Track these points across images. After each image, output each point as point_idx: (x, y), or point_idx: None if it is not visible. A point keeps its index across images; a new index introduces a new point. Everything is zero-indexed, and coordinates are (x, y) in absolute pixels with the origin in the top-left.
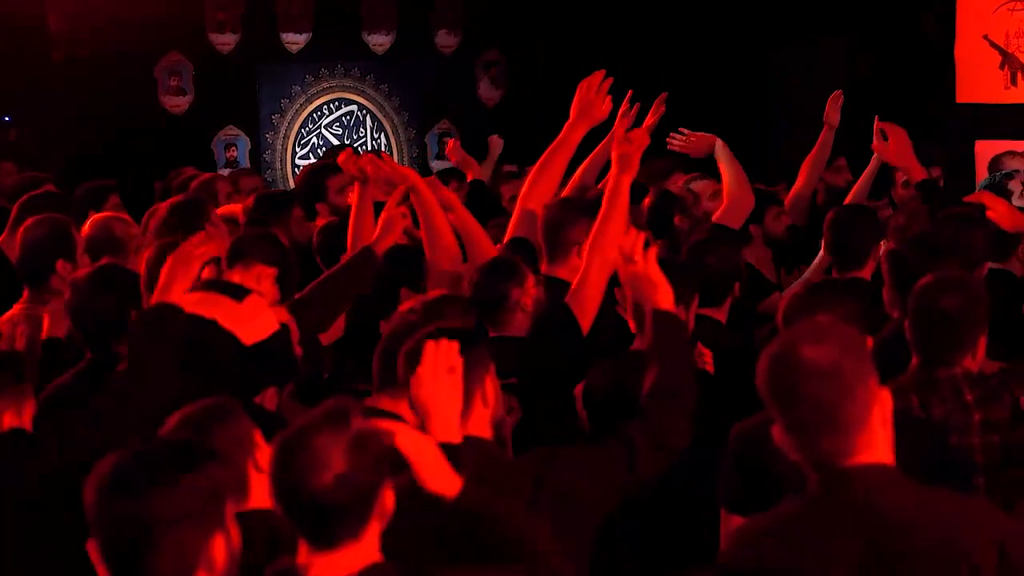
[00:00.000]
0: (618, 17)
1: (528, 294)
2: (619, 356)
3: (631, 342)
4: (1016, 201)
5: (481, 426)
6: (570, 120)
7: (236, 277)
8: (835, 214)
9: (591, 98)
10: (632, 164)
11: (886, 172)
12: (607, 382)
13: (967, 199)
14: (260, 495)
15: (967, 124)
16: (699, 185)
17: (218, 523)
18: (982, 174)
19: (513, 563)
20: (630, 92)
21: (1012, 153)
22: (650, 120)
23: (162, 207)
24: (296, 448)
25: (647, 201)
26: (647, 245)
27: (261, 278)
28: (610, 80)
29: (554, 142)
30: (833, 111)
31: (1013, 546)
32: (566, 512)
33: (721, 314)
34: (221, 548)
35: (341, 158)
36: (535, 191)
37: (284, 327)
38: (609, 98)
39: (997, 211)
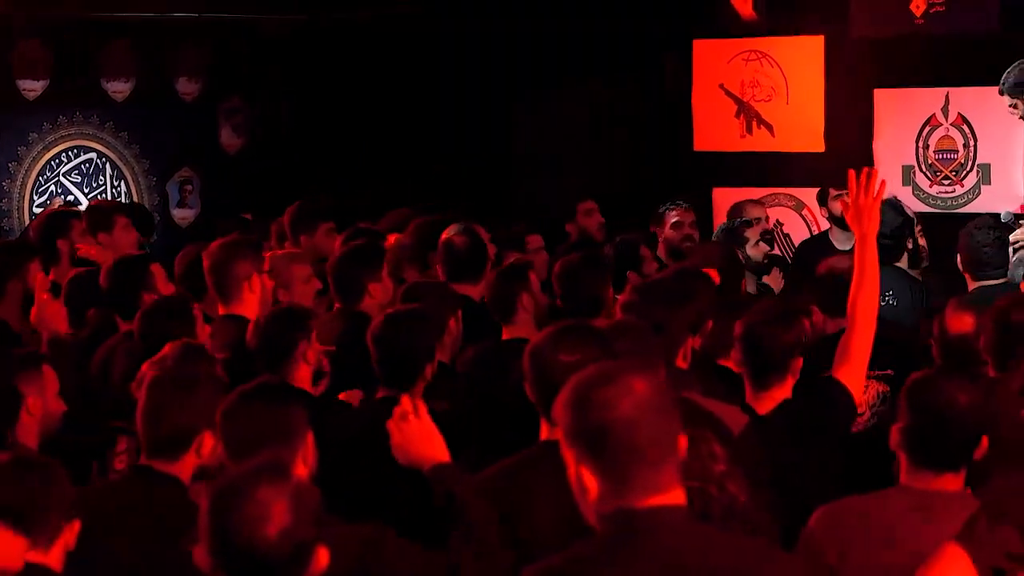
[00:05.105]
0: (358, 66)
1: (313, 346)
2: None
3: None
4: (750, 249)
5: None
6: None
7: None
8: (562, 264)
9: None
10: None
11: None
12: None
13: None
14: None
15: (705, 172)
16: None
17: None
18: (719, 220)
19: None
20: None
21: (753, 202)
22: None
23: None
24: (237, 500)
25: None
26: None
27: None
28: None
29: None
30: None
31: None
32: None
33: None
34: None
35: None
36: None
37: None
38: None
39: None
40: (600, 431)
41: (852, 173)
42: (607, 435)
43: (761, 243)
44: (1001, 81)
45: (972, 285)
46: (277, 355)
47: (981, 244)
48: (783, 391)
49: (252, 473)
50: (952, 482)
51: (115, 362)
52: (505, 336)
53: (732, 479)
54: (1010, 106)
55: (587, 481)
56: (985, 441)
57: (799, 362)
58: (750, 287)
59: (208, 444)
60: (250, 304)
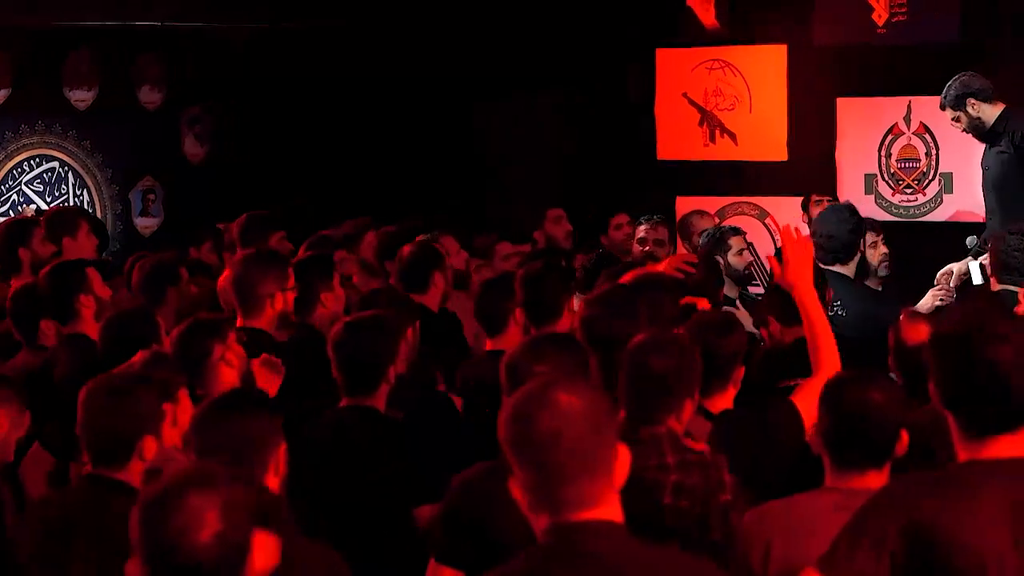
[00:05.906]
0: (321, 72)
1: (232, 349)
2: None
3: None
4: (732, 257)
5: None
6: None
7: None
8: (525, 271)
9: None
10: None
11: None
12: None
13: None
14: None
15: (668, 181)
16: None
17: None
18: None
19: None
20: None
21: (700, 212)
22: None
23: None
24: (168, 507)
25: None
26: None
27: None
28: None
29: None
30: None
31: None
32: None
33: None
34: None
35: None
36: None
37: None
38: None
39: None
40: (523, 444)
41: (787, 228)
42: (529, 448)
43: (745, 252)
44: (942, 94)
45: (996, 287)
46: (192, 361)
47: (1012, 248)
48: (724, 400)
49: (181, 480)
50: (876, 480)
51: (57, 367)
52: (489, 347)
53: (735, 509)
54: (952, 119)
55: (515, 493)
56: (905, 435)
57: (741, 371)
58: (732, 295)
59: (151, 448)
60: (268, 319)
